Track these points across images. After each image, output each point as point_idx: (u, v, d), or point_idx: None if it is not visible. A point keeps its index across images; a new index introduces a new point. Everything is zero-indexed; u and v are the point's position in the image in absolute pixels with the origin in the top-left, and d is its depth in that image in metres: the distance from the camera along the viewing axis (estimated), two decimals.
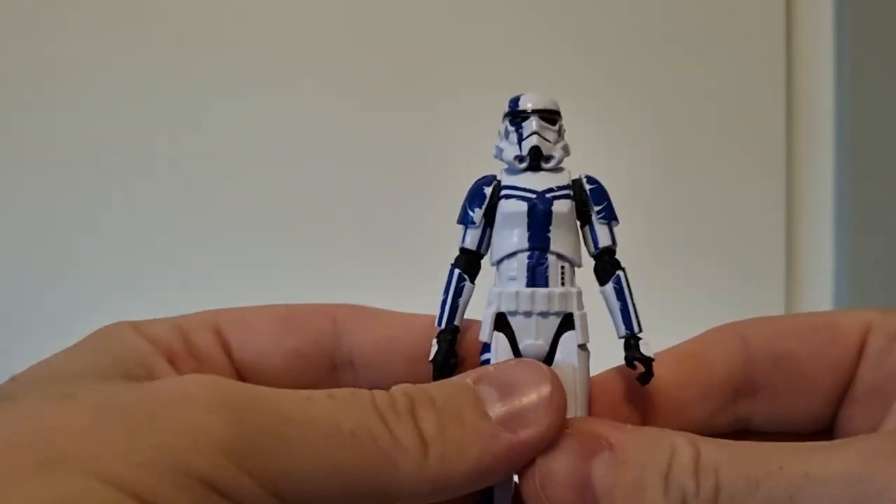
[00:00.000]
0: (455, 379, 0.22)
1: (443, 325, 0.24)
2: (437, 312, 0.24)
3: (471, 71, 0.64)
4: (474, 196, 0.24)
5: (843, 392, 0.24)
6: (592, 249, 0.24)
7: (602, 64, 0.64)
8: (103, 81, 0.64)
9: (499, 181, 0.24)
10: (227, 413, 0.18)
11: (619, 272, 0.23)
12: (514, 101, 0.23)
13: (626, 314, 0.23)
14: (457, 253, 0.24)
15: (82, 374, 0.20)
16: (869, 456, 0.19)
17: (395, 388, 0.21)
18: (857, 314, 0.24)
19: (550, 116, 0.23)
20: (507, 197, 0.23)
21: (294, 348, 0.26)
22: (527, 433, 0.21)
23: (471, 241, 0.24)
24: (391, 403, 0.20)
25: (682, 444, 0.20)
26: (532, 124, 0.23)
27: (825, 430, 0.25)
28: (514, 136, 0.23)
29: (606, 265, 0.24)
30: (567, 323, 0.23)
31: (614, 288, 0.23)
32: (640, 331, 0.23)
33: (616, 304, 0.23)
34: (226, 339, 0.25)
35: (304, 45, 0.64)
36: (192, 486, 0.17)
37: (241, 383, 0.20)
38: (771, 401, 0.25)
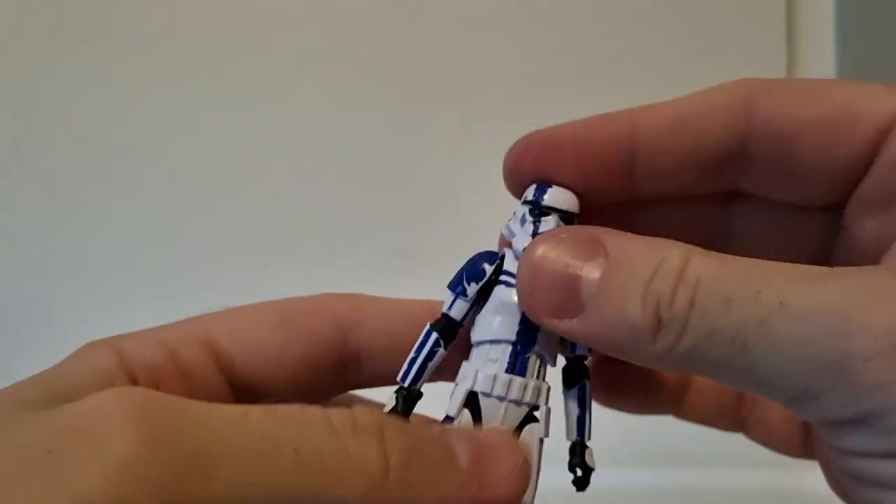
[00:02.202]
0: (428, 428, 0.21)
1: (406, 383, 0.24)
2: (403, 368, 0.24)
3: (467, 71, 0.64)
4: (473, 269, 0.24)
5: (850, 189, 0.22)
6: (569, 353, 0.24)
7: (602, 63, 0.64)
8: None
9: (501, 261, 0.24)
10: (147, 436, 0.16)
11: (586, 381, 0.24)
12: (541, 192, 0.23)
13: (582, 423, 0.24)
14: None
15: (32, 404, 0.18)
16: (850, 293, 0.18)
17: (358, 409, 0.19)
18: (885, 103, 0.21)
19: (570, 218, 0.23)
20: (508, 284, 0.23)
21: (301, 356, 0.24)
22: (492, 492, 0.20)
23: (456, 312, 0.24)
24: (351, 420, 0.19)
25: (674, 256, 0.19)
26: (551, 223, 0.23)
27: (834, 207, 0.23)
28: (529, 227, 0.23)
29: (576, 372, 0.24)
30: (531, 416, 0.23)
31: (577, 394, 0.24)
32: (589, 439, 0.24)
33: (575, 410, 0.24)
34: (222, 353, 0.24)
35: (298, 42, 0.64)
36: None
37: (165, 396, 0.17)
38: (765, 178, 0.23)
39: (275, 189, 0.65)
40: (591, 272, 0.20)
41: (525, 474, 0.21)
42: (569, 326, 0.21)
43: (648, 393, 0.28)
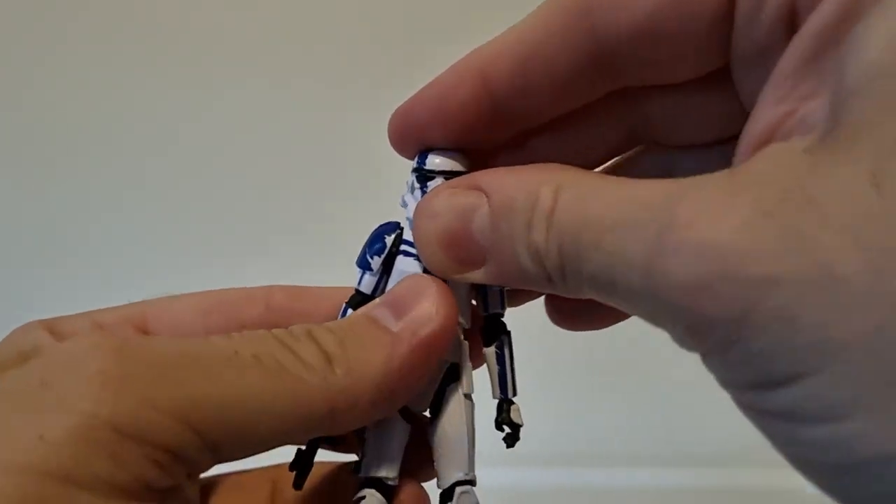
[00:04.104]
0: (347, 315, 0.23)
1: None
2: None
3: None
4: (374, 243, 0.24)
5: (725, 54, 0.21)
6: (482, 312, 0.24)
7: None
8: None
9: (401, 231, 0.24)
10: (119, 354, 0.18)
11: (504, 336, 0.24)
12: (422, 159, 0.23)
13: (503, 379, 0.24)
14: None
15: None
16: (653, 243, 0.17)
17: (291, 327, 0.21)
18: None
19: (456, 177, 0.23)
20: (406, 254, 0.24)
21: None
22: (426, 330, 0.21)
23: (366, 286, 0.24)
24: (289, 332, 0.21)
25: (545, 193, 0.19)
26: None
27: (723, 71, 0.21)
28: (418, 194, 0.23)
29: (491, 329, 0.24)
30: (453, 373, 0.24)
31: (496, 352, 0.24)
32: (515, 395, 0.24)
33: (495, 368, 0.24)
34: (151, 334, 0.24)
35: (276, 41, 0.65)
36: (102, 440, 0.17)
37: (131, 335, 0.19)
38: (638, 70, 0.21)
39: (264, 186, 0.65)
40: (480, 220, 0.21)
41: (444, 296, 0.22)
42: (476, 276, 0.21)
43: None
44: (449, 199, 0.21)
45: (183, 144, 0.66)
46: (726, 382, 0.18)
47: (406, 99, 0.23)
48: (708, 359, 0.18)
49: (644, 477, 0.60)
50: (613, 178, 0.19)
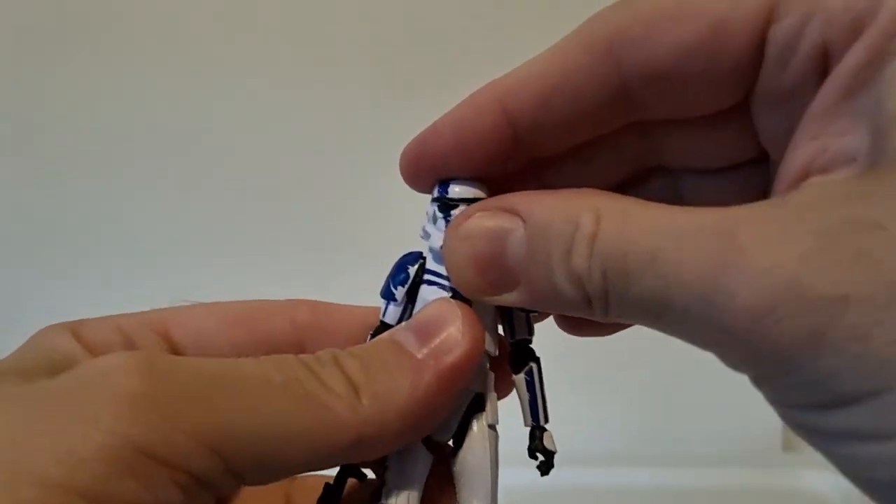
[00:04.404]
0: (372, 340, 0.23)
1: None
2: None
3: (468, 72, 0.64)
4: (398, 273, 0.24)
5: (747, 92, 0.21)
6: (509, 339, 0.24)
7: None
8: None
9: (423, 261, 0.24)
10: (150, 375, 0.18)
11: (533, 364, 0.24)
12: (443, 189, 0.23)
13: (534, 406, 0.24)
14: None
15: (2, 370, 0.20)
16: (721, 250, 0.17)
17: (318, 353, 0.21)
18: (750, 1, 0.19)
19: None
20: (430, 283, 0.23)
21: (252, 355, 0.24)
22: (451, 357, 0.21)
23: (391, 317, 0.24)
24: (315, 358, 0.21)
25: (585, 219, 0.19)
26: None
27: (741, 106, 0.22)
28: (441, 224, 0.23)
29: (521, 355, 0.24)
30: (478, 403, 0.23)
31: (525, 379, 0.24)
32: (546, 422, 0.24)
33: (525, 395, 0.24)
34: (175, 344, 0.24)
35: (282, 44, 0.64)
36: (129, 461, 0.17)
37: (161, 353, 0.19)
38: (660, 105, 0.22)
39: (272, 189, 0.65)
40: (515, 244, 0.20)
41: (471, 321, 0.21)
42: (508, 299, 0.21)
43: None
44: (482, 221, 0.21)
45: (193, 146, 0.66)
46: (782, 403, 0.18)
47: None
48: (763, 381, 0.18)
49: (644, 477, 0.60)
50: (652, 203, 0.19)
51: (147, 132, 0.65)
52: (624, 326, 0.25)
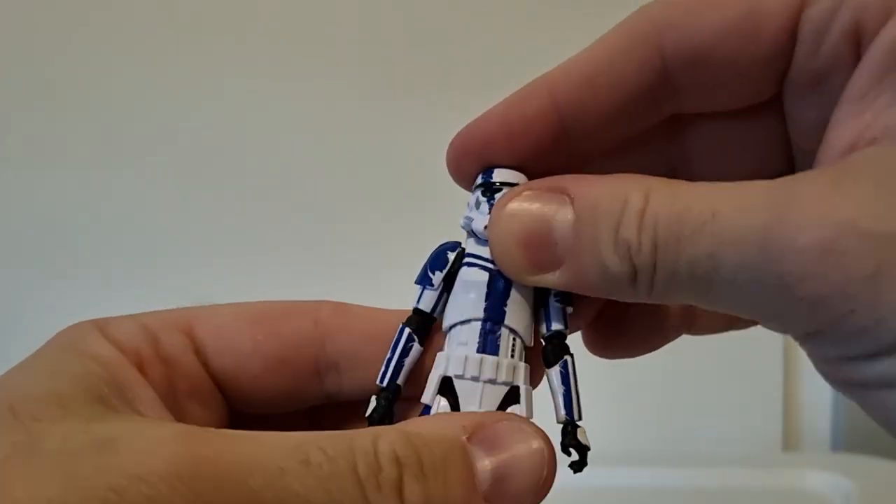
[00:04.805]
0: (449, 430, 0.20)
1: (384, 383, 0.24)
2: (381, 370, 0.24)
3: (472, 72, 0.64)
4: (437, 259, 0.24)
5: (780, 80, 0.22)
6: (544, 331, 0.24)
7: None
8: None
9: (463, 248, 0.24)
10: (190, 491, 0.16)
11: (568, 357, 0.23)
12: (489, 173, 0.23)
13: (569, 400, 0.23)
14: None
15: (42, 400, 0.18)
16: (775, 210, 0.18)
17: (381, 446, 0.19)
18: None
19: None
20: (470, 265, 0.23)
21: (275, 354, 0.24)
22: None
23: (426, 304, 0.24)
24: (375, 472, 0.18)
25: (635, 197, 0.20)
26: None
27: (771, 102, 0.23)
28: (485, 207, 0.23)
29: (556, 348, 0.23)
30: (512, 396, 0.23)
31: (560, 372, 0.23)
32: (580, 418, 0.23)
33: (560, 388, 0.23)
34: (199, 343, 0.24)
35: (289, 42, 0.65)
36: None
37: (208, 447, 0.18)
38: (698, 94, 0.22)
39: (272, 189, 0.65)
40: (562, 223, 0.21)
41: (548, 485, 0.20)
42: (551, 280, 0.21)
43: (655, 323, 0.27)
44: (530, 199, 0.21)
45: (186, 145, 0.66)
46: (829, 357, 0.19)
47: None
48: (814, 336, 0.18)
49: (644, 477, 0.60)
50: (700, 182, 0.20)
51: (147, 132, 0.65)
52: (655, 343, 0.26)
